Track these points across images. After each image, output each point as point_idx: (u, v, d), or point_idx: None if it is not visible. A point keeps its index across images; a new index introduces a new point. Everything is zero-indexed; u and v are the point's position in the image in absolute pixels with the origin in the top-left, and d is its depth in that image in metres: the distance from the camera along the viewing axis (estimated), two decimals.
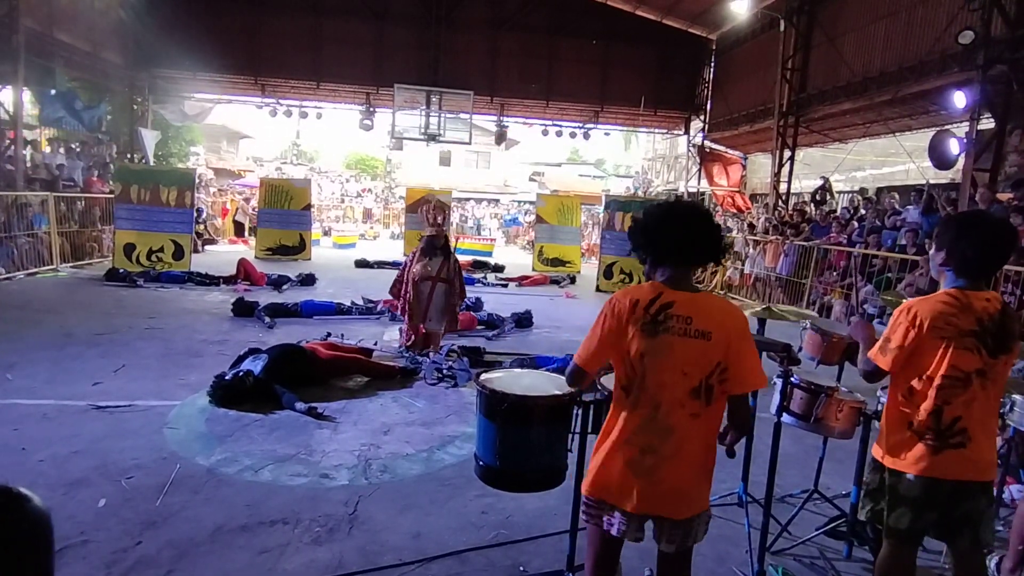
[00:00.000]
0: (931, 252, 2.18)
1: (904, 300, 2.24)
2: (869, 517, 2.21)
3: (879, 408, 2.76)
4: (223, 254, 14.19)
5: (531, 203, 22.13)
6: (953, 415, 2.01)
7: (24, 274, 9.38)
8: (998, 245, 2.02)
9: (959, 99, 8.52)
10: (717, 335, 1.78)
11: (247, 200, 19.07)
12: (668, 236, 1.85)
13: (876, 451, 2.19)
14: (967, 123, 8.81)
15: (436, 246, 6.01)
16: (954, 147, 8.59)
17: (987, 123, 8.87)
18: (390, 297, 6.65)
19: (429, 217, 6.52)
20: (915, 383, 2.08)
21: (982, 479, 2.07)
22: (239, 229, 18.31)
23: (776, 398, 2.70)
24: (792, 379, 2.65)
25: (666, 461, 1.79)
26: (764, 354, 2.78)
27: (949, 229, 2.09)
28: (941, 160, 8.80)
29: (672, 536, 1.84)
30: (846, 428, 2.69)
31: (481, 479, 2.45)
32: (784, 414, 2.70)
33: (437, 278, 5.92)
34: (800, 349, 2.96)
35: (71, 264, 10.62)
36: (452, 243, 6.50)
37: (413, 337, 6.16)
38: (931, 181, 10.39)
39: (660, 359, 1.78)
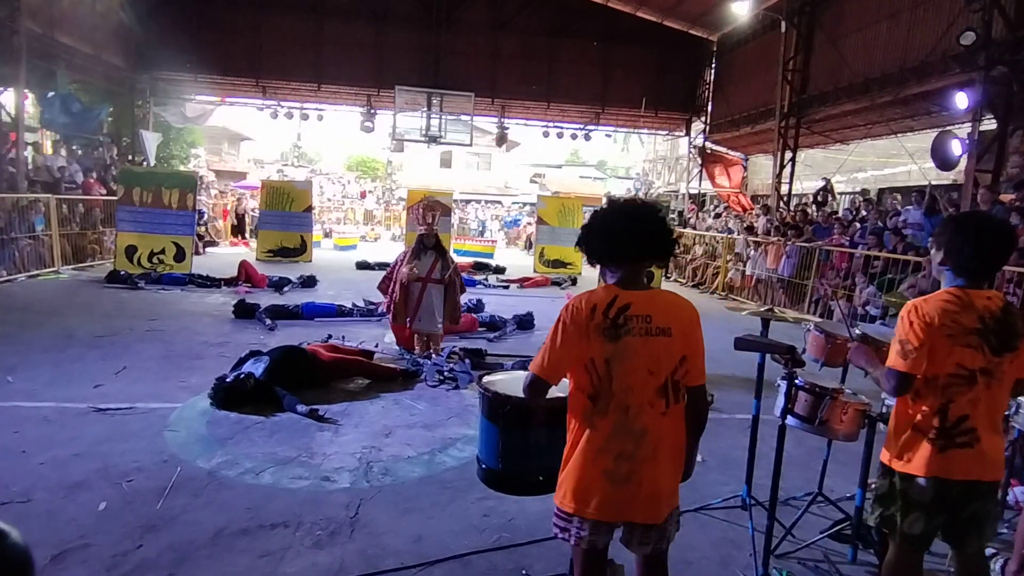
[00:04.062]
0: (932, 252, 2.18)
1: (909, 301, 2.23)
2: (878, 523, 2.18)
3: (884, 410, 2.75)
4: (224, 256, 14.18)
5: (532, 205, 22.12)
6: (959, 413, 2.00)
7: (25, 276, 9.38)
8: (995, 245, 2.03)
9: (961, 100, 8.51)
10: (676, 330, 1.79)
11: (239, 200, 18.99)
12: (611, 238, 1.84)
13: (884, 456, 2.17)
14: (969, 124, 8.79)
15: (427, 245, 5.94)
16: (956, 148, 8.57)
17: (989, 124, 8.86)
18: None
19: (419, 216, 6.46)
20: (920, 385, 2.07)
21: (990, 479, 2.05)
22: (239, 227, 18.17)
23: (780, 400, 2.69)
24: (797, 381, 2.63)
25: (643, 465, 1.76)
26: (768, 356, 2.79)
27: (947, 230, 2.10)
28: (943, 161, 8.78)
29: (646, 538, 1.82)
30: (851, 430, 2.68)
31: (483, 482, 2.44)
32: (788, 416, 2.68)
33: (428, 279, 5.85)
34: (803, 351, 2.94)
35: (72, 266, 10.63)
36: (449, 244, 6.45)
37: (396, 336, 6.11)
38: (933, 182, 10.37)
39: (625, 362, 1.76)
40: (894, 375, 2.05)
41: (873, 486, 2.29)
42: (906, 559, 2.12)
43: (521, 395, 2.27)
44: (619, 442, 1.76)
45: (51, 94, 12.29)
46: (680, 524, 1.92)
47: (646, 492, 1.77)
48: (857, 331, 2.71)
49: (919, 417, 2.06)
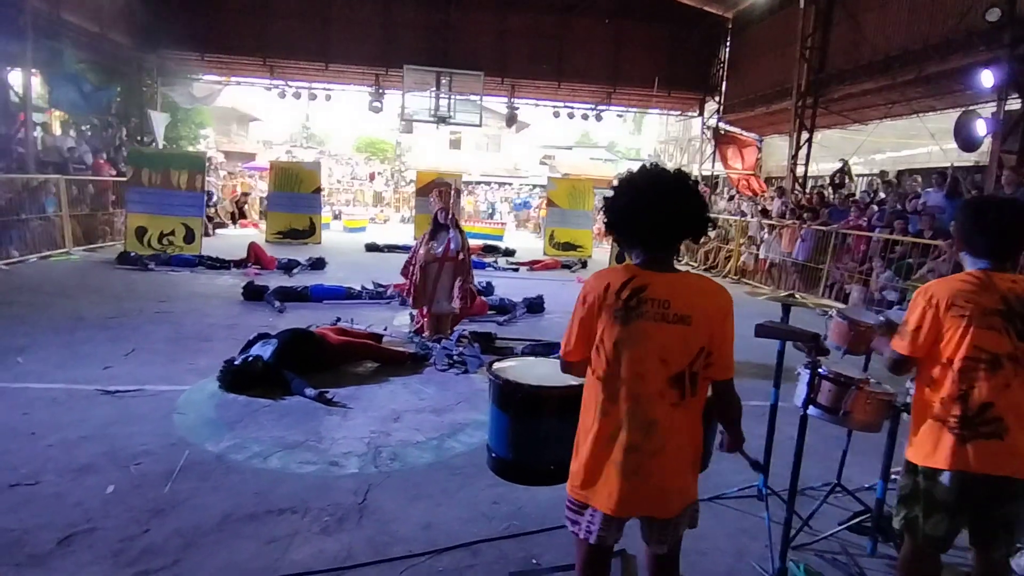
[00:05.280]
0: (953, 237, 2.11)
1: None
2: (903, 525, 2.08)
3: (908, 400, 2.65)
4: (234, 238, 14.18)
5: (542, 187, 21.91)
6: (981, 401, 1.89)
7: (37, 257, 9.41)
8: (1011, 225, 1.96)
9: (986, 78, 8.24)
10: (697, 318, 1.65)
11: (240, 188, 18.89)
12: (639, 218, 1.68)
13: (908, 451, 2.08)
14: (994, 103, 8.52)
15: (441, 223, 5.89)
16: (980, 128, 8.32)
17: (1014, 103, 8.58)
18: (401, 281, 6.56)
19: (434, 200, 6.36)
20: (936, 370, 1.98)
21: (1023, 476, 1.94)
22: (240, 214, 18.13)
23: (802, 390, 2.59)
24: (820, 370, 2.53)
25: (651, 457, 1.66)
26: (790, 344, 2.69)
27: (962, 214, 2.09)
28: (967, 142, 8.52)
29: (663, 536, 1.74)
30: (874, 421, 2.59)
31: (494, 471, 2.38)
32: (811, 407, 2.59)
33: (444, 258, 5.83)
34: (825, 338, 2.84)
35: (83, 247, 10.66)
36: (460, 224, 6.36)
37: (421, 321, 6.09)
38: (955, 163, 10.09)
39: (636, 348, 1.65)
40: (893, 354, 2.08)
41: (897, 481, 2.20)
42: (923, 557, 2.05)
43: (533, 383, 2.22)
44: (628, 433, 1.67)
45: (61, 74, 12.21)
46: (696, 521, 1.84)
47: (654, 485, 1.67)
48: (882, 318, 2.60)
49: (938, 405, 1.97)
